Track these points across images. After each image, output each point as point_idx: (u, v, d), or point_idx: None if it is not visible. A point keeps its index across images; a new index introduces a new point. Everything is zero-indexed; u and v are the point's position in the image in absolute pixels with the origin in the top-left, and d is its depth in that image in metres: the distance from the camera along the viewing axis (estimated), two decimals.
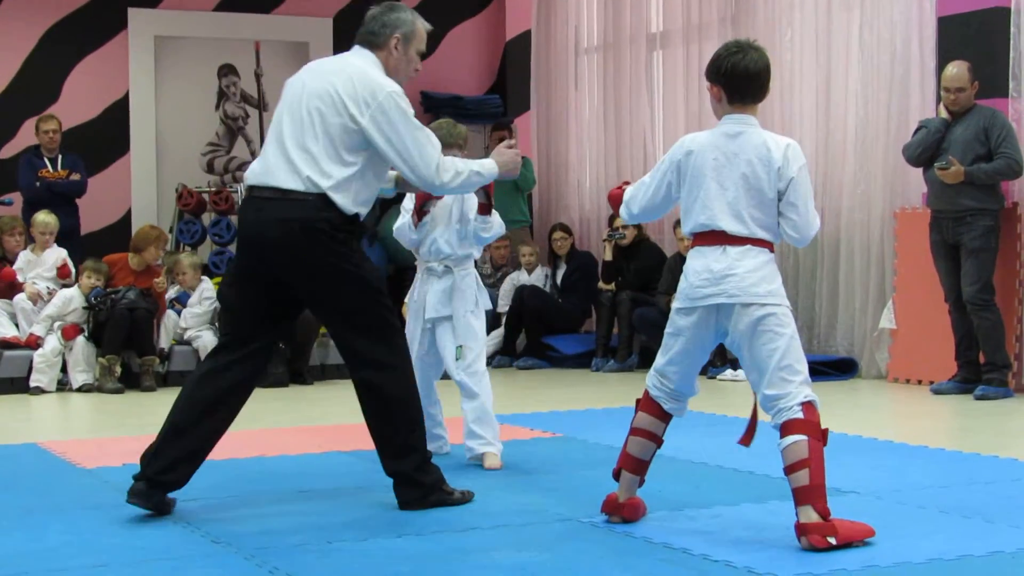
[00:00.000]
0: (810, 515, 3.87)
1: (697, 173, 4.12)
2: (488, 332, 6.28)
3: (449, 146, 5.38)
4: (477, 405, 5.42)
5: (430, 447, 4.86)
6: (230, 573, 3.74)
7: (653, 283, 9.95)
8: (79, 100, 11.42)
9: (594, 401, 8.05)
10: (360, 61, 4.57)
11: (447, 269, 5.52)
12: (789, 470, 3.92)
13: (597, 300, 10.50)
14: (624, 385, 8.96)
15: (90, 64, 11.50)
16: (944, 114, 7.99)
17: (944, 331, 8.13)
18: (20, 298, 9.29)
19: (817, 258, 9.52)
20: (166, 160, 11.69)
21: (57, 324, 9.10)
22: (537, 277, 11.00)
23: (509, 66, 12.76)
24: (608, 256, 10.38)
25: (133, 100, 11.60)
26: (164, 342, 9.29)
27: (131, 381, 9.02)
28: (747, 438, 4.16)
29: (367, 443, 4.78)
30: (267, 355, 4.62)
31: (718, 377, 9.11)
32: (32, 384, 8.90)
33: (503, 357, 10.47)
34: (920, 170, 8.23)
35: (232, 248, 10.31)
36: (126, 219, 11.48)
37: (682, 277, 4.17)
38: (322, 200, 4.39)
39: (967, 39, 8.29)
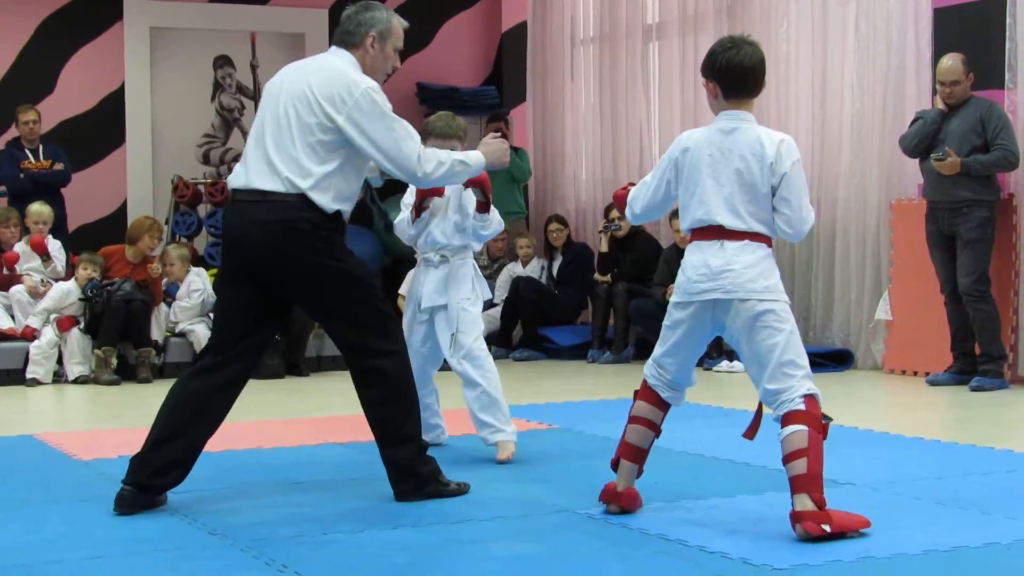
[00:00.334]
0: (805, 503, 3.87)
1: (694, 169, 4.14)
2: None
3: (448, 138, 5.37)
4: (479, 392, 5.36)
5: (427, 437, 4.87)
6: (226, 564, 3.74)
7: (649, 274, 9.95)
8: (75, 91, 11.39)
9: (590, 392, 8.05)
10: (337, 60, 4.57)
11: (444, 259, 5.51)
12: (787, 459, 3.93)
13: (593, 291, 10.49)
14: (620, 376, 8.96)
15: (86, 55, 11.47)
16: (941, 105, 7.98)
17: (940, 322, 8.13)
18: (16, 290, 9.28)
19: (813, 249, 9.52)
20: (162, 152, 11.67)
21: (53, 316, 9.10)
22: (533, 269, 10.99)
23: (505, 57, 12.73)
24: (604, 247, 10.38)
25: (129, 91, 11.57)
26: (156, 335, 9.27)
27: (127, 373, 9.02)
28: (751, 431, 4.17)
29: (363, 435, 4.78)
30: (257, 354, 4.59)
31: (714, 368, 9.11)
32: (28, 376, 8.90)
33: (499, 349, 10.47)
34: (916, 161, 8.24)
35: None
36: (122, 211, 11.46)
37: (680, 271, 4.19)
38: (302, 200, 4.38)
39: (963, 30, 8.29)
